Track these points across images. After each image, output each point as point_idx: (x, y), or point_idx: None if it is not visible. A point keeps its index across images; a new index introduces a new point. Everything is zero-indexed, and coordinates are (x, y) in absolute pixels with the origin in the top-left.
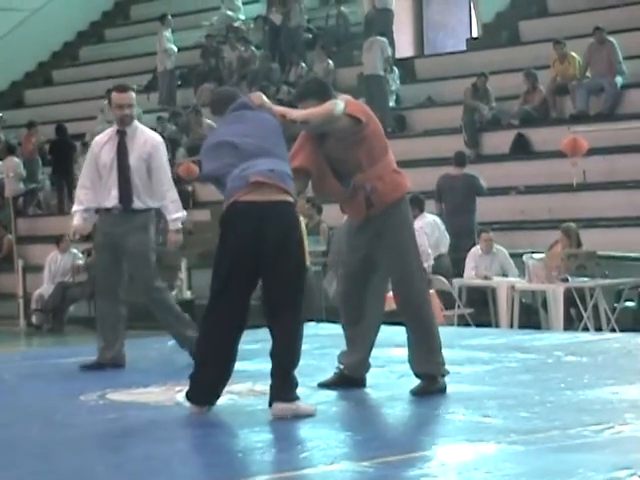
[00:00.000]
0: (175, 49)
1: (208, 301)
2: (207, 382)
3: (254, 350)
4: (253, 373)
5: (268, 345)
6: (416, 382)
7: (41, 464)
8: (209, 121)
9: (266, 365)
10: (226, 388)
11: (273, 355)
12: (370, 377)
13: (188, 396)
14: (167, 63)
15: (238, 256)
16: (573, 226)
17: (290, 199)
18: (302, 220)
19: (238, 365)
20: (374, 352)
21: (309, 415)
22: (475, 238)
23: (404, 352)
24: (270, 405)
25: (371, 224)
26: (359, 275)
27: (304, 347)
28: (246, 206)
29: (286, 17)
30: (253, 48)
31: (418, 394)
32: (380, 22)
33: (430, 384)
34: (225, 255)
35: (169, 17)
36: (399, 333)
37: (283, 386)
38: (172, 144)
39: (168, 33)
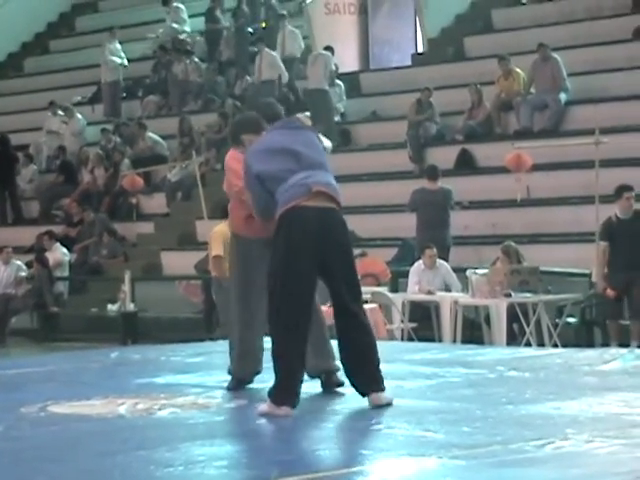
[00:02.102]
0: (122, 61)
1: (278, 302)
2: (296, 385)
3: (197, 363)
4: (196, 386)
5: (210, 358)
6: (355, 395)
7: None
8: (152, 134)
9: (209, 378)
10: (169, 401)
11: (358, 351)
12: (310, 390)
13: (277, 400)
14: (112, 75)
15: (307, 257)
16: (513, 245)
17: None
18: None
19: (180, 378)
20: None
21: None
22: (448, 252)
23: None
24: (364, 396)
25: None
26: None
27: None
28: (309, 210)
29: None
30: (197, 60)
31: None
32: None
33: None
34: (293, 256)
35: (115, 29)
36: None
37: (379, 377)
38: (117, 156)
39: (114, 45)
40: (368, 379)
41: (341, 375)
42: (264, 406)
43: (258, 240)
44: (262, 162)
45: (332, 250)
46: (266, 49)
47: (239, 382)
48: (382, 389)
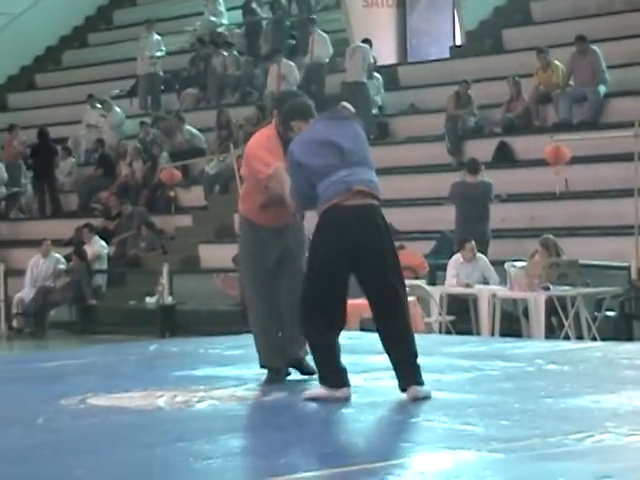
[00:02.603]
0: (161, 54)
1: (314, 297)
2: (342, 367)
3: (235, 356)
4: (234, 378)
5: (248, 351)
6: (394, 388)
7: (21, 468)
8: (190, 127)
9: (247, 371)
10: (207, 393)
11: (396, 346)
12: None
13: (330, 383)
14: (149, 68)
15: (341, 257)
16: (551, 238)
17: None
18: None
19: (218, 370)
20: (355, 358)
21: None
22: (487, 245)
23: (384, 359)
24: (403, 390)
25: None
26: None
27: None
28: (347, 209)
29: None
30: (235, 53)
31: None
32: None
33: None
34: (328, 255)
35: (153, 22)
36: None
37: (418, 371)
38: (155, 149)
39: (151, 38)
40: (405, 373)
41: (310, 362)
42: (318, 391)
43: (270, 227)
44: (306, 154)
45: (366, 250)
46: (284, 60)
47: (277, 373)
48: (422, 382)
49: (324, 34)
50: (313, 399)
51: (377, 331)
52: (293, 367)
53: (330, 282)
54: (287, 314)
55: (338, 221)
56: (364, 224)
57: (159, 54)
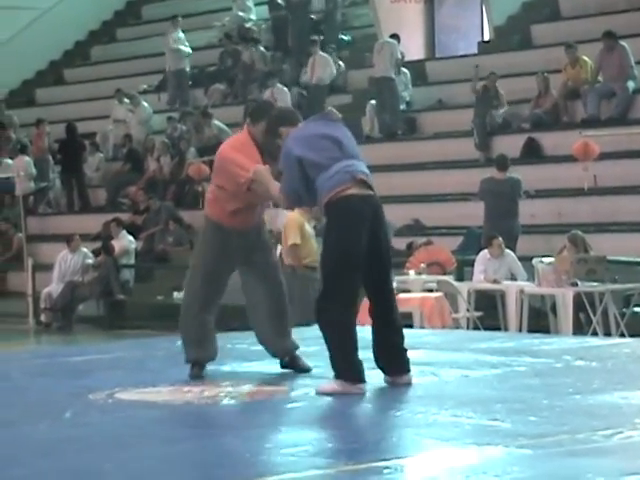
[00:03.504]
0: (187, 50)
1: (336, 281)
2: (358, 360)
3: (262, 351)
4: (261, 374)
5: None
6: (423, 383)
7: (49, 462)
8: (218, 122)
9: (274, 366)
10: (234, 389)
11: (388, 333)
12: (377, 379)
13: (347, 377)
14: (177, 64)
15: (360, 238)
16: (579, 234)
17: None
18: (312, 222)
19: (246, 366)
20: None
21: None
22: (516, 241)
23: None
24: (390, 375)
25: None
26: None
27: (312, 349)
28: (356, 197)
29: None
30: (262, 49)
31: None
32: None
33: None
34: (349, 237)
35: (179, 18)
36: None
37: (407, 359)
38: (182, 144)
39: (178, 34)
40: (396, 361)
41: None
42: (332, 385)
43: (240, 230)
44: (305, 147)
45: (378, 233)
46: (278, 84)
47: (201, 367)
48: (410, 370)
49: (326, 55)
50: (327, 394)
51: (377, 320)
52: (283, 361)
53: (354, 267)
54: (271, 309)
55: (351, 205)
56: (377, 213)
57: (184, 50)
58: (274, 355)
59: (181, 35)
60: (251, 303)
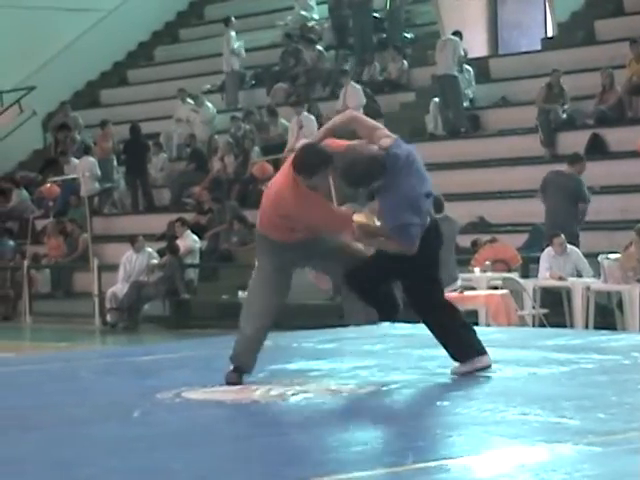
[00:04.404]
0: (242, 50)
1: (434, 289)
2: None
3: (328, 349)
4: (328, 372)
5: (341, 344)
6: (489, 380)
7: (118, 461)
8: (284, 121)
9: (340, 364)
10: (301, 387)
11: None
12: (443, 376)
13: (472, 354)
14: (231, 64)
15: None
16: None
17: None
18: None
19: (312, 364)
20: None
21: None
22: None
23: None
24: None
25: None
26: None
27: (377, 347)
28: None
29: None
30: (320, 48)
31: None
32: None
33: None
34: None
35: (233, 19)
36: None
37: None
38: (247, 143)
39: (230, 34)
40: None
41: None
42: (462, 368)
43: (294, 244)
44: (425, 180)
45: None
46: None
47: (241, 376)
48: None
49: (357, 85)
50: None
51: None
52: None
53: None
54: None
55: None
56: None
57: (238, 50)
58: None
59: (233, 36)
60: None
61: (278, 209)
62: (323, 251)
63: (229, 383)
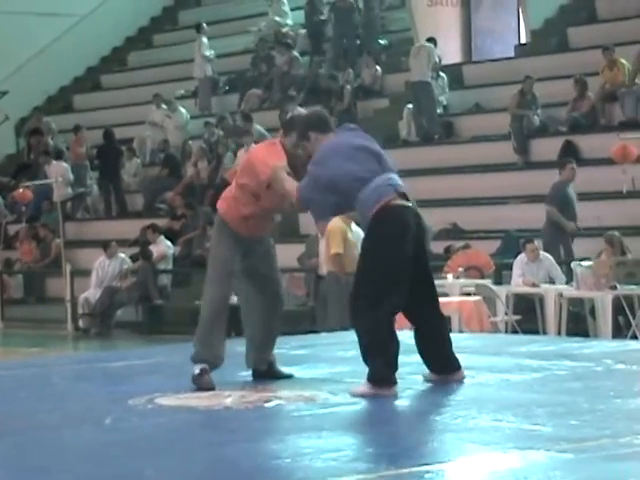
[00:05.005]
0: (210, 56)
1: (384, 287)
2: (393, 364)
3: (302, 356)
4: (298, 379)
5: (315, 350)
6: (462, 387)
7: (91, 468)
8: (259, 127)
9: (314, 371)
10: (274, 393)
11: (437, 335)
12: (416, 384)
13: (379, 381)
14: (203, 70)
15: (409, 245)
16: (616, 235)
17: None
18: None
19: (285, 370)
20: (409, 358)
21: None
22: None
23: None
24: (444, 373)
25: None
26: None
27: (350, 353)
28: (401, 208)
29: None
30: (295, 53)
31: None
32: None
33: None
34: (398, 245)
35: (204, 25)
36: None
37: (456, 357)
38: (220, 149)
39: (202, 40)
40: (449, 360)
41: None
42: (363, 388)
43: (249, 238)
44: (346, 160)
45: (420, 242)
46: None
47: (211, 369)
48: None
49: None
50: (359, 396)
51: (426, 321)
52: (256, 371)
53: (402, 273)
54: (265, 323)
55: (398, 215)
56: (419, 224)
57: (209, 56)
58: (249, 365)
59: (204, 42)
60: (248, 309)
61: (242, 174)
62: (260, 266)
63: (199, 387)
